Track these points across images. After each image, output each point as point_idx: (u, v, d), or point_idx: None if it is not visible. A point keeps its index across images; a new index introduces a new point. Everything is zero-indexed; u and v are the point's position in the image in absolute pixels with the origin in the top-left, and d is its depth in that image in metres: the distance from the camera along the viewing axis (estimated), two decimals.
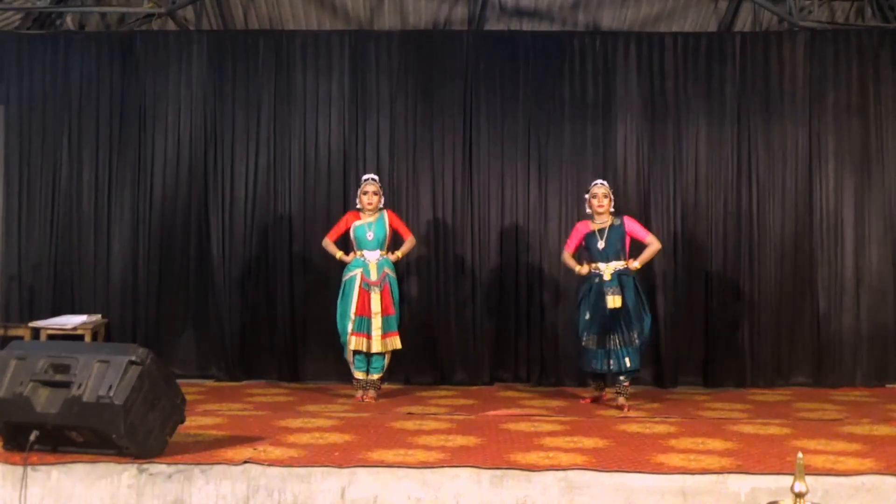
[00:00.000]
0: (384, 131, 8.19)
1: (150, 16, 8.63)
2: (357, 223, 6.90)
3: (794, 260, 8.09)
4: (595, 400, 6.90)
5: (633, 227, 6.70)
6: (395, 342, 6.89)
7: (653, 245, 6.70)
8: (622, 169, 8.11)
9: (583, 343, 6.63)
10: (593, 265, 6.59)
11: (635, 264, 6.59)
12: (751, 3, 8.53)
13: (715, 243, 8.10)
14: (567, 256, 6.78)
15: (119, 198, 8.25)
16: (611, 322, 6.48)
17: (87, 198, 8.25)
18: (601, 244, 6.55)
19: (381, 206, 6.96)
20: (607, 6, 8.66)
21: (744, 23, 8.75)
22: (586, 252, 6.68)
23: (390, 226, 6.94)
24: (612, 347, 6.50)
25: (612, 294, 6.43)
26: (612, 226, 6.60)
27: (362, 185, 6.95)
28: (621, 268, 6.53)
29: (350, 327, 6.79)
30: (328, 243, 7.01)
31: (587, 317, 6.57)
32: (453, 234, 8.17)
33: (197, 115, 8.26)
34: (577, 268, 6.67)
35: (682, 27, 8.71)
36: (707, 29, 8.74)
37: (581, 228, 6.74)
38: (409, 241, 7.06)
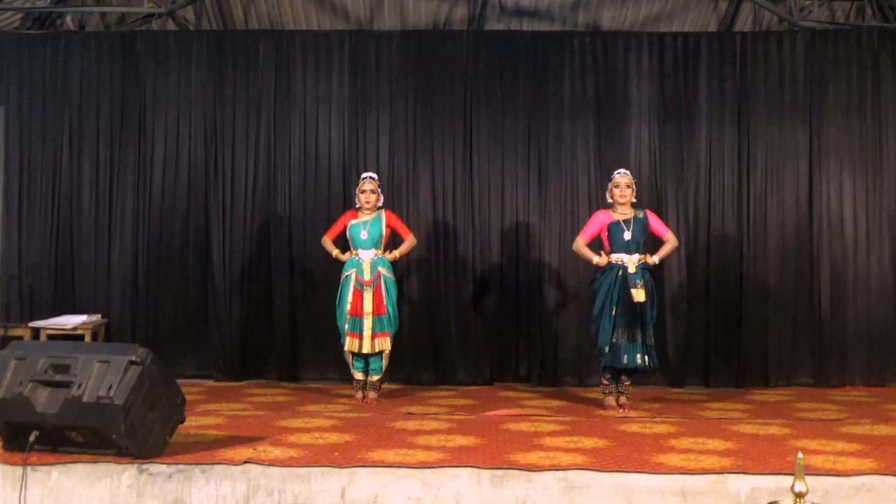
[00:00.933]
0: (384, 131, 8.19)
1: (150, 16, 8.63)
2: (353, 222, 6.89)
3: (794, 260, 8.09)
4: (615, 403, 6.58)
5: (655, 221, 6.56)
6: (385, 343, 6.82)
7: (671, 241, 6.57)
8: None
9: (613, 339, 6.33)
10: (615, 257, 6.39)
11: (654, 259, 6.44)
12: (751, 3, 8.53)
13: (715, 243, 8.10)
14: (581, 244, 6.52)
15: (119, 198, 8.26)
16: (635, 316, 6.31)
17: (87, 198, 8.26)
18: (627, 234, 6.37)
19: (380, 205, 6.94)
20: (607, 6, 8.66)
21: (744, 23, 8.75)
22: (608, 242, 6.46)
23: (388, 226, 6.91)
24: (639, 342, 6.32)
25: (638, 287, 6.27)
26: (636, 217, 6.44)
27: (360, 184, 6.94)
28: (643, 261, 6.41)
29: (346, 327, 6.81)
30: (326, 241, 7.01)
31: (613, 312, 6.31)
32: (453, 234, 8.17)
33: (197, 115, 8.27)
34: (596, 258, 6.41)
35: (682, 27, 8.71)
36: (707, 29, 8.74)
37: (603, 218, 6.50)
38: (409, 241, 7.05)
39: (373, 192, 6.85)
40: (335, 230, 7.01)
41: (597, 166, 8.11)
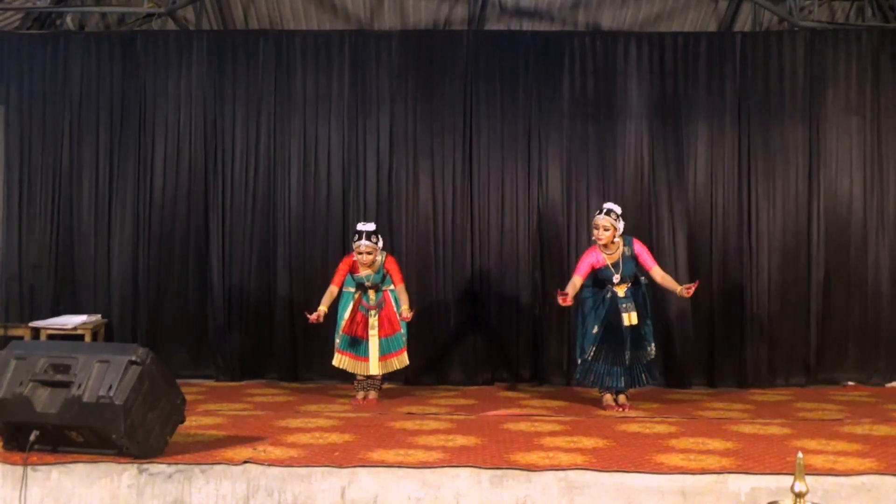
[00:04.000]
0: (384, 131, 8.18)
1: (150, 16, 8.64)
2: (355, 276, 6.76)
3: (794, 260, 8.09)
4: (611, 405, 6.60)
5: (641, 252, 6.50)
6: (403, 360, 6.84)
7: (667, 278, 6.51)
8: (622, 169, 8.11)
9: (587, 356, 6.41)
10: (606, 287, 6.45)
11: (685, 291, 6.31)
12: (751, 3, 8.53)
13: (715, 243, 8.09)
14: (576, 284, 6.40)
15: (119, 198, 8.25)
16: (625, 338, 6.36)
17: (87, 197, 8.26)
18: (616, 277, 6.40)
19: (381, 256, 6.71)
20: (607, 6, 8.67)
21: (744, 23, 8.76)
22: (599, 280, 6.49)
23: (387, 269, 6.74)
24: (629, 364, 6.39)
25: (629, 311, 6.36)
26: (623, 256, 6.43)
27: (355, 243, 6.66)
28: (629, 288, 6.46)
29: (337, 342, 6.79)
30: (330, 291, 6.65)
31: (594, 330, 6.39)
32: (453, 234, 8.16)
33: (197, 115, 8.26)
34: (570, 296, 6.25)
35: (682, 27, 8.72)
36: (707, 29, 8.75)
37: (593, 259, 6.45)
38: (404, 293, 6.70)
39: (369, 253, 6.60)
40: (338, 277, 6.72)
41: (596, 166, 8.11)
